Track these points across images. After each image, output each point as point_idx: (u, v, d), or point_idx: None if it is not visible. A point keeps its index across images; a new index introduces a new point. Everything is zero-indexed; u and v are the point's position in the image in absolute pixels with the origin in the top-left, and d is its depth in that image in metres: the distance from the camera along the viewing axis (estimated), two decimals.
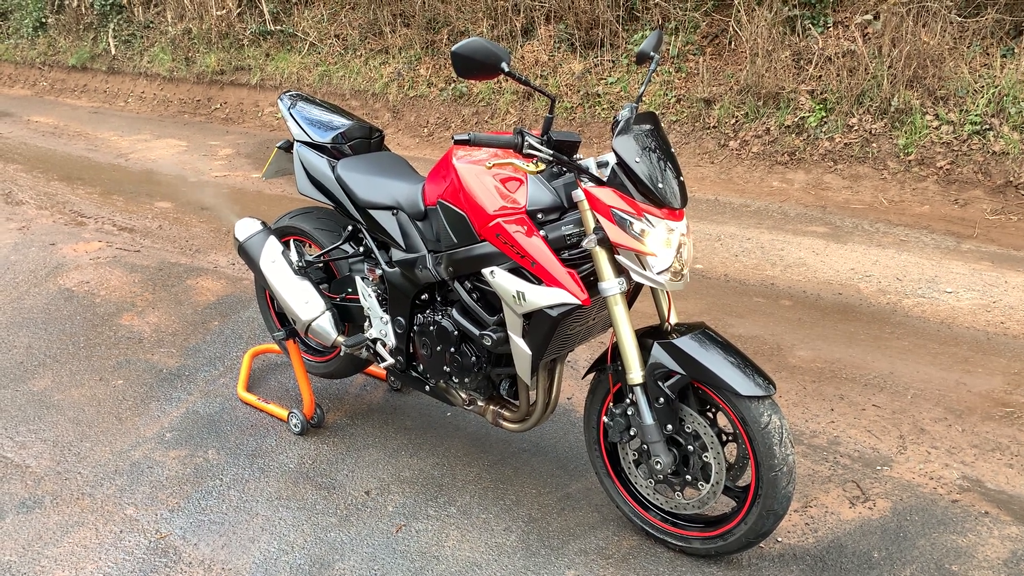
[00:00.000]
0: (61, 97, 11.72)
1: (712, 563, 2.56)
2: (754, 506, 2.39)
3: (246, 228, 3.22)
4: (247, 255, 3.19)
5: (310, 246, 3.31)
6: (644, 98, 7.23)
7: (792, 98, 6.57)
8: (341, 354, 3.12)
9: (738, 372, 2.34)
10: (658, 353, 2.41)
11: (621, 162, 2.35)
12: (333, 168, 3.05)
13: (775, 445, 2.32)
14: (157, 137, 9.01)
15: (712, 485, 2.44)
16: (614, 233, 2.33)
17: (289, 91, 3.35)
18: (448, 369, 2.80)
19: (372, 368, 3.54)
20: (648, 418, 2.43)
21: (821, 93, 6.49)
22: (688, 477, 2.47)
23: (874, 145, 6.08)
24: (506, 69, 2.27)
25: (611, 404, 2.58)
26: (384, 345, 3.02)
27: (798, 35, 6.73)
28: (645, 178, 2.32)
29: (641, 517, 2.65)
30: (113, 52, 11.45)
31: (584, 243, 2.36)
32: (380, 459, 3.14)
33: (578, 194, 2.40)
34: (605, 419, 2.58)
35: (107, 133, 9.36)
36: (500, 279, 2.49)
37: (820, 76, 6.58)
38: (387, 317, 2.97)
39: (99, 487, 3.01)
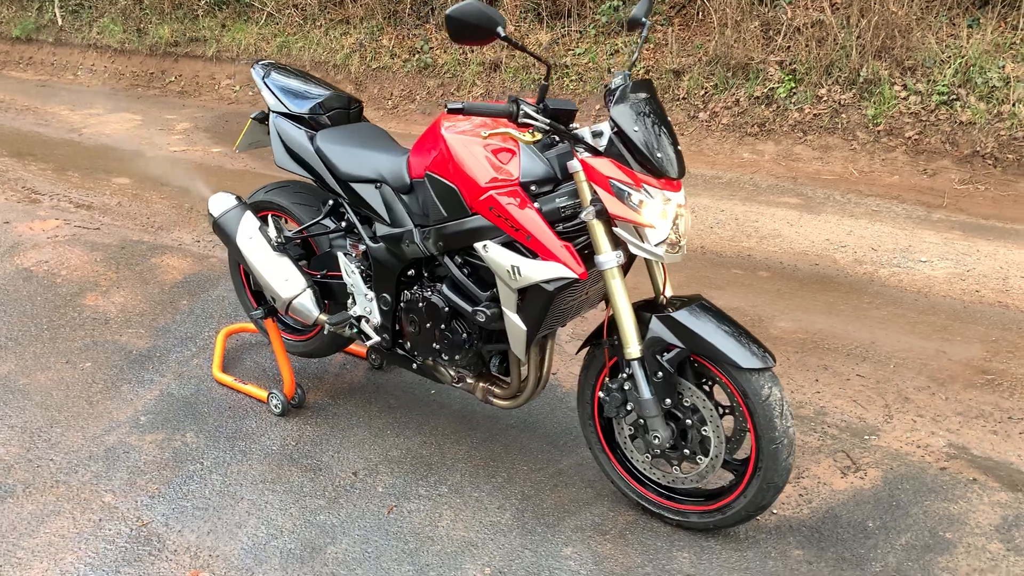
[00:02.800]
0: (5, 70, 11.28)
1: (710, 536, 2.54)
2: (754, 478, 2.37)
3: (221, 203, 3.10)
4: (222, 231, 3.08)
5: (287, 221, 3.20)
6: (635, 65, 7.17)
7: (761, 69, 6.55)
8: (325, 332, 3.03)
9: (738, 345, 2.31)
10: (656, 327, 2.37)
11: (619, 131, 2.29)
12: (312, 139, 2.95)
13: (776, 417, 2.30)
14: (110, 111, 8.72)
15: (711, 459, 2.42)
16: (612, 205, 2.27)
17: (262, 60, 3.22)
18: (438, 346, 2.73)
19: (352, 347, 3.46)
20: (646, 392, 2.40)
21: (790, 64, 6.48)
22: (686, 451, 2.45)
23: (843, 116, 6.10)
24: (502, 34, 2.19)
25: (607, 379, 2.53)
26: (369, 323, 2.94)
27: (766, 5, 6.71)
28: (643, 147, 2.27)
29: (637, 492, 2.62)
30: (60, 23, 11.03)
31: (582, 215, 2.30)
32: (366, 439, 3.07)
33: (574, 165, 2.33)
34: (601, 394, 2.54)
35: (57, 107, 9.03)
36: (494, 253, 2.43)
37: (789, 47, 6.57)
38: (372, 294, 2.89)
39: (74, 474, 2.90)
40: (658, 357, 2.37)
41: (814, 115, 6.22)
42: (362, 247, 2.91)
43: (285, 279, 2.99)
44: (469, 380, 2.81)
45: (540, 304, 2.42)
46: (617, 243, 2.37)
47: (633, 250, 2.33)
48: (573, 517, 2.65)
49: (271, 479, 2.85)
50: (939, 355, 3.52)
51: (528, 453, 2.96)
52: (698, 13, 7.13)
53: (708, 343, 2.31)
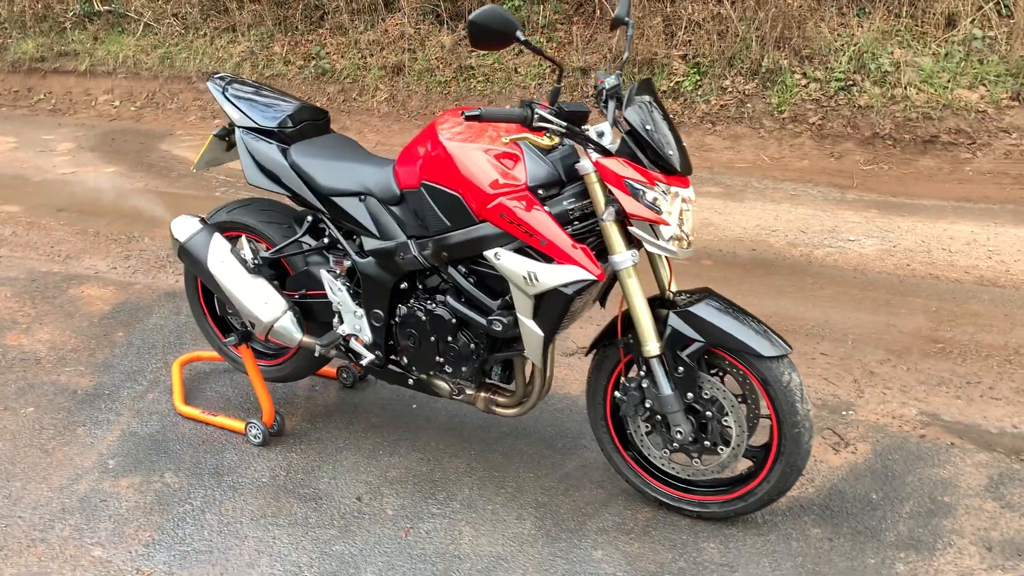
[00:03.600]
0: None
1: (730, 524, 2.59)
2: (776, 463, 2.43)
3: (185, 227, 2.92)
4: (190, 256, 2.90)
5: (257, 242, 3.05)
6: (556, 67, 7.19)
7: (666, 63, 6.72)
8: (316, 354, 2.89)
9: (756, 334, 2.36)
10: (675, 322, 2.39)
11: (632, 131, 2.30)
12: (285, 154, 2.82)
13: (797, 402, 2.36)
14: None
15: (732, 448, 2.46)
16: (629, 204, 2.28)
17: (218, 73, 3.06)
18: (441, 360, 2.67)
19: (325, 367, 3.33)
20: (667, 389, 2.41)
21: (694, 57, 6.67)
22: (706, 443, 2.48)
23: (749, 105, 6.33)
24: (521, 37, 2.17)
25: (623, 378, 2.53)
26: (359, 341, 2.83)
27: (665, 2, 6.88)
28: (657, 146, 2.28)
29: (655, 488, 2.64)
30: None
31: (604, 217, 2.29)
32: (359, 461, 2.96)
33: (585, 166, 2.32)
34: (617, 394, 2.54)
35: None
36: (507, 261, 2.39)
37: (690, 41, 6.76)
38: (361, 311, 2.79)
39: (51, 530, 2.66)
40: (678, 352, 2.39)
41: (721, 106, 6.43)
42: (347, 263, 2.81)
43: (264, 302, 2.85)
44: (469, 391, 2.76)
45: (558, 308, 2.39)
46: (630, 242, 2.37)
47: (649, 248, 2.35)
48: (593, 520, 2.64)
49: (272, 513, 2.71)
50: (890, 328, 3.71)
51: (530, 460, 2.93)
52: (594, 11, 7.24)
53: (728, 335, 2.35)
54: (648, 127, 2.29)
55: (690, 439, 2.45)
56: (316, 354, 2.88)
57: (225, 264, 2.85)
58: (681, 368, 2.40)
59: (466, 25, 2.17)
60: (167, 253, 4.97)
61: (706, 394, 2.44)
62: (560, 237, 2.34)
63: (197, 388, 3.47)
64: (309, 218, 2.85)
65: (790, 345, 2.39)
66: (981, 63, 5.93)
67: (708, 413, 2.45)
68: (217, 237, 2.89)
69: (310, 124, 2.90)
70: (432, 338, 2.64)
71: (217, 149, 3.04)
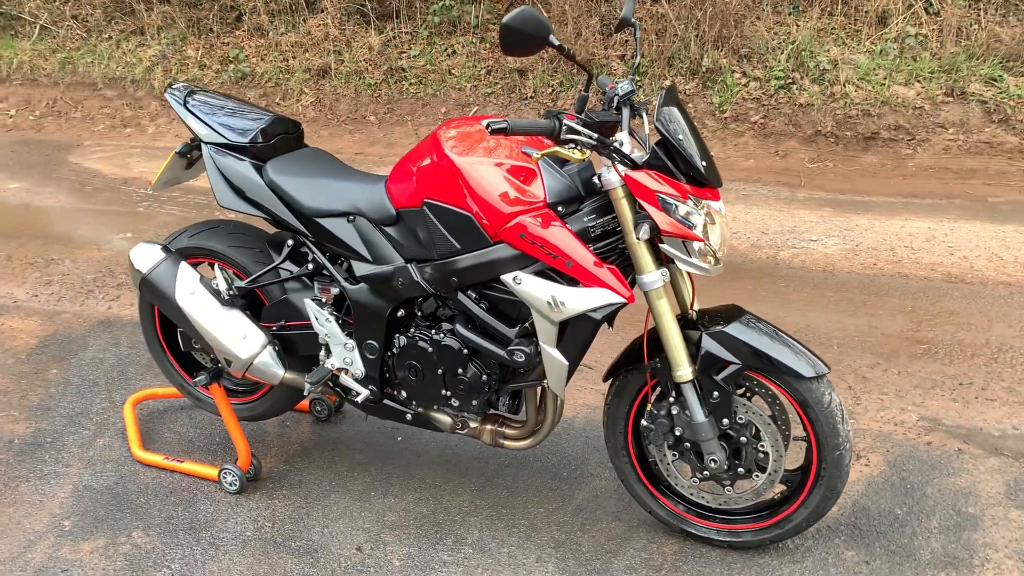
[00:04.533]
0: None
1: (762, 553, 2.46)
2: (816, 487, 2.31)
3: (146, 256, 2.60)
4: (154, 289, 2.58)
5: (225, 269, 2.75)
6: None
7: (604, 64, 6.61)
8: (306, 392, 2.63)
9: (793, 354, 2.23)
10: (709, 344, 2.23)
11: (664, 141, 2.13)
12: (261, 172, 2.54)
13: (839, 423, 2.24)
14: None
15: (769, 473, 2.33)
16: (662, 220, 2.11)
17: (175, 83, 2.75)
18: (448, 392, 2.45)
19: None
20: (700, 415, 2.26)
21: (633, 58, 6.57)
22: (740, 470, 2.34)
23: (691, 105, 6.28)
24: (556, 42, 1.98)
25: (650, 405, 2.37)
26: (350, 375, 2.58)
27: (600, 1, 6.77)
28: (689, 157, 2.12)
29: (682, 519, 2.49)
30: None
31: (639, 234, 2.11)
32: (351, 505, 2.71)
33: (612, 180, 2.14)
34: (644, 422, 2.37)
35: None
36: (528, 286, 2.19)
37: (626, 41, 6.67)
38: (352, 343, 2.54)
39: None
40: (713, 376, 2.24)
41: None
42: (335, 290, 2.55)
43: (242, 336, 2.56)
44: (473, 425, 2.55)
45: (585, 335, 2.21)
46: (660, 261, 2.21)
47: (681, 265, 2.19)
48: (618, 557, 2.47)
49: (264, 572, 2.44)
50: (872, 331, 3.67)
51: (536, 493, 2.74)
52: None
53: (767, 356, 2.21)
54: (680, 137, 2.13)
55: (724, 467, 2.30)
56: (305, 393, 2.61)
57: (196, 296, 2.55)
58: (716, 393, 2.25)
59: (501, 28, 1.97)
60: (93, 277, 4.57)
61: (740, 419, 2.29)
62: (586, 258, 2.16)
63: (153, 430, 3.14)
64: (290, 242, 2.59)
65: (827, 364, 2.27)
66: (915, 60, 6.03)
67: (743, 439, 2.30)
68: (184, 266, 2.59)
69: (284, 138, 2.64)
70: (439, 370, 2.42)
71: (177, 167, 2.74)
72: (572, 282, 2.18)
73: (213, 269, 2.65)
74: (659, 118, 2.13)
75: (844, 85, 5.99)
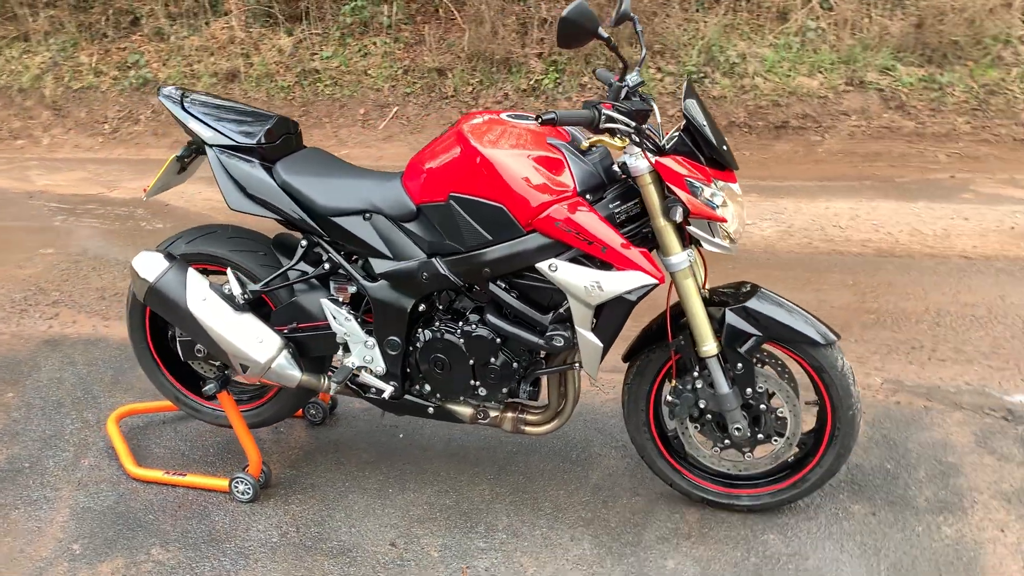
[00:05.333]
0: None
1: (780, 514, 2.61)
2: (831, 447, 2.48)
3: (151, 264, 2.51)
4: (162, 298, 2.50)
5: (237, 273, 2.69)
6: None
7: (523, 62, 6.73)
8: (331, 391, 2.60)
9: (808, 324, 2.38)
10: (733, 319, 2.36)
11: (690, 127, 2.25)
12: (271, 173, 2.50)
13: (851, 385, 2.41)
14: None
15: (787, 437, 2.48)
16: (693, 203, 2.23)
17: (166, 85, 2.66)
18: (477, 383, 2.49)
19: None
20: (724, 387, 2.39)
21: (550, 55, 6.72)
22: (760, 436, 2.48)
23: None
24: (604, 34, 2.07)
25: (674, 381, 2.48)
26: (371, 373, 2.58)
27: (513, 1, 6.88)
28: (715, 141, 2.25)
29: (703, 488, 2.61)
30: None
31: (675, 216, 2.22)
32: (371, 504, 2.71)
33: (640, 166, 2.24)
34: (670, 397, 2.48)
35: None
36: (565, 272, 2.26)
37: (543, 39, 6.81)
38: (372, 340, 2.54)
39: None
40: (738, 349, 2.37)
41: (583, 102, 6.51)
42: (352, 289, 2.55)
43: (259, 340, 2.52)
44: (494, 414, 2.60)
45: (620, 317, 2.31)
46: (683, 243, 2.32)
47: (707, 246, 2.31)
48: (647, 529, 2.57)
49: (304, 575, 2.41)
50: (823, 304, 3.91)
51: (551, 476, 2.81)
52: (437, 10, 7.12)
53: (786, 327, 2.36)
54: (704, 123, 2.25)
55: (747, 434, 2.44)
56: (332, 393, 2.59)
57: (208, 302, 2.49)
58: (740, 365, 2.38)
59: (559, 22, 2.04)
60: (23, 295, 4.33)
61: (760, 388, 2.44)
62: (620, 242, 2.25)
63: (140, 447, 3.03)
64: (303, 243, 2.56)
65: (837, 333, 2.43)
66: (815, 52, 6.42)
67: (762, 406, 2.44)
68: (193, 273, 2.52)
69: (288, 138, 2.60)
70: (469, 361, 2.45)
71: (171, 173, 2.66)
72: (604, 266, 2.27)
73: (226, 273, 2.59)
74: (686, 107, 2.24)
75: (753, 77, 6.32)
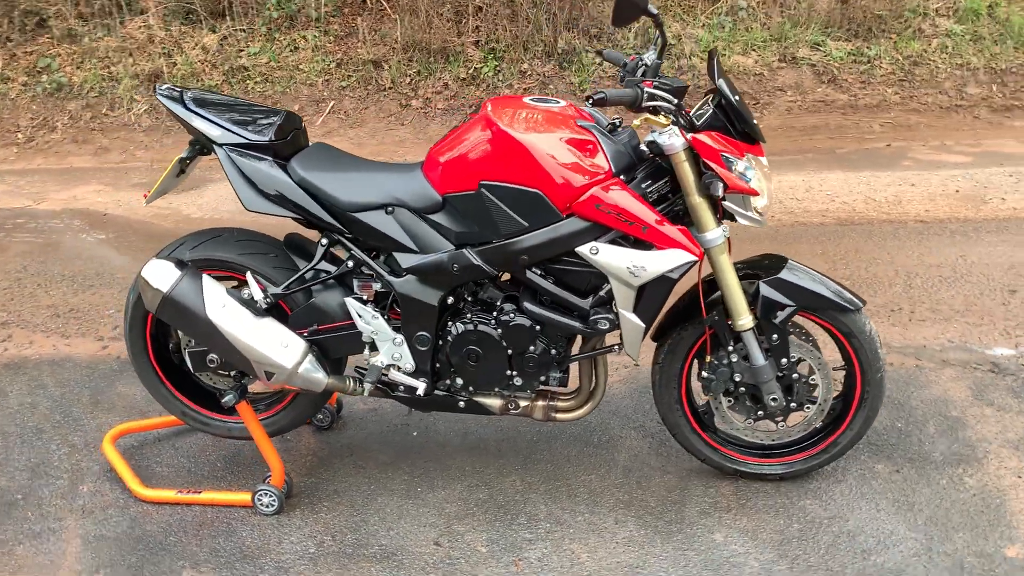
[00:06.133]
0: None
1: (812, 479, 2.67)
2: (860, 410, 2.54)
3: (163, 273, 2.37)
4: (179, 308, 2.36)
5: (236, 279, 2.57)
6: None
7: (460, 51, 6.66)
8: (364, 392, 2.51)
9: (836, 291, 2.44)
10: (768, 291, 2.39)
11: (723, 103, 2.26)
12: (286, 170, 2.40)
13: (878, 348, 2.48)
14: None
15: (819, 404, 2.53)
16: (731, 178, 2.24)
17: (163, 85, 2.51)
18: (514, 371, 2.45)
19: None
20: (760, 359, 2.43)
21: (487, 43, 6.68)
22: (792, 404, 2.52)
23: (551, 87, 6.48)
24: (654, 10, 2.07)
25: (708, 357, 2.50)
26: (400, 370, 2.51)
27: None
28: (747, 115, 2.27)
29: (736, 460, 2.64)
30: None
31: (717, 192, 2.22)
32: (404, 505, 2.64)
33: (675, 144, 2.24)
34: (705, 373, 2.50)
35: None
36: (607, 254, 2.24)
37: (479, 26, 6.76)
38: (400, 337, 2.47)
39: None
40: (773, 321, 2.40)
41: (524, 89, 6.51)
42: (376, 286, 2.47)
43: (284, 345, 2.41)
44: (524, 403, 2.57)
45: (662, 295, 2.31)
46: (717, 218, 2.34)
47: (741, 220, 2.33)
48: (687, 505, 2.59)
49: None
50: None
51: (578, 462, 2.80)
52: (365, 1, 6.98)
53: (818, 295, 2.40)
54: (737, 98, 2.26)
55: (783, 404, 2.48)
56: (366, 394, 2.51)
57: (227, 309, 2.37)
58: (775, 336, 2.42)
59: (616, 1, 2.03)
60: None
61: (793, 357, 2.48)
62: (659, 221, 2.25)
63: (139, 466, 2.87)
64: (324, 241, 2.46)
65: (863, 299, 2.49)
66: (748, 31, 6.57)
67: (794, 375, 2.49)
68: (208, 279, 2.40)
69: (296, 134, 2.50)
70: (507, 351, 2.41)
71: (172, 175, 2.52)
72: (642, 246, 2.26)
73: (246, 277, 2.47)
74: (720, 83, 2.25)
75: (690, 58, 6.42)
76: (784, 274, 2.41)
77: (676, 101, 2.19)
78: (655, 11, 2.13)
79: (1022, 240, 4.23)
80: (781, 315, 2.40)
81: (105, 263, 4.57)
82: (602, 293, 2.33)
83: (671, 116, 2.20)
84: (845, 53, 6.32)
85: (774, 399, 2.46)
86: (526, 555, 2.41)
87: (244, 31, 6.95)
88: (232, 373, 2.58)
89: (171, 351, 2.74)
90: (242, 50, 6.86)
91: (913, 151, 5.55)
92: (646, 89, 2.14)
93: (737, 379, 2.48)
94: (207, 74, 6.77)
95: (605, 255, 2.24)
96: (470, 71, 6.57)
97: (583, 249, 2.25)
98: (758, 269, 2.48)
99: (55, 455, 2.96)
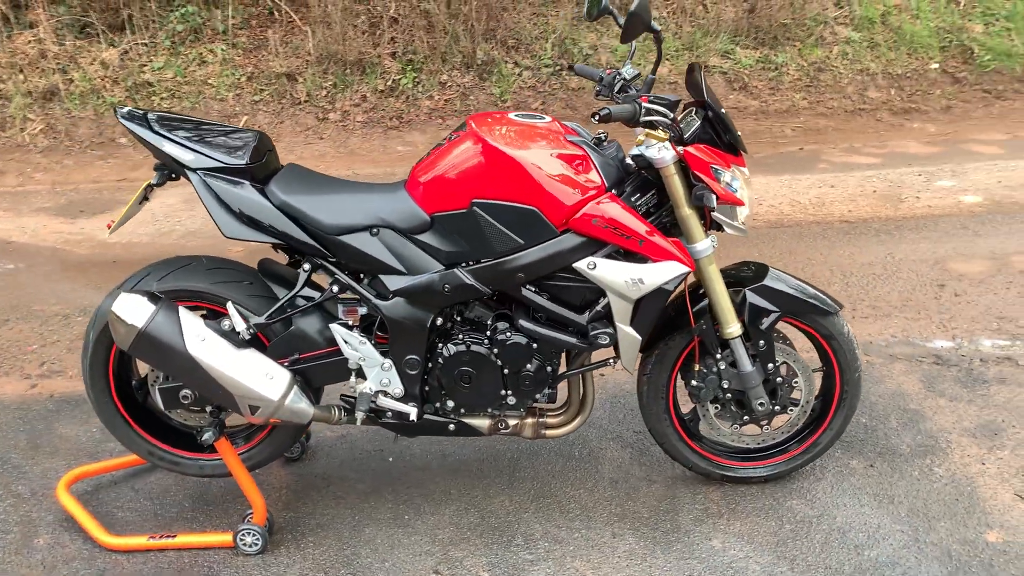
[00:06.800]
0: None
1: (794, 479, 2.73)
2: (839, 410, 2.62)
3: (136, 308, 2.21)
4: (155, 343, 2.21)
5: (215, 310, 2.44)
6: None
7: (377, 62, 6.57)
8: (358, 422, 2.40)
9: (816, 295, 2.51)
10: (755, 299, 2.45)
11: (709, 116, 2.29)
12: (264, 195, 2.30)
13: (856, 349, 2.57)
14: None
15: (802, 406, 2.60)
16: (720, 189, 2.28)
17: (122, 107, 2.36)
18: (508, 391, 2.42)
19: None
20: (748, 365, 2.47)
21: (405, 55, 6.61)
22: (778, 408, 2.58)
23: (472, 98, 6.46)
24: (657, 27, 2.07)
25: (697, 365, 2.52)
26: (389, 396, 2.43)
27: (358, 2, 6.69)
28: (732, 128, 2.31)
29: (722, 466, 2.68)
30: None
31: (710, 203, 2.25)
32: (393, 534, 2.56)
33: (665, 157, 2.26)
34: (695, 382, 2.52)
35: None
36: (605, 269, 2.24)
37: (393, 38, 6.68)
38: (388, 362, 2.40)
39: None
40: (760, 328, 2.45)
41: (445, 100, 6.47)
42: (362, 310, 2.39)
43: (268, 376, 2.30)
44: (513, 422, 2.54)
45: (657, 307, 2.32)
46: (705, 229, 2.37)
47: (729, 230, 2.37)
48: (679, 513, 2.61)
49: None
50: None
51: (564, 477, 2.79)
52: (272, 12, 6.80)
53: (800, 300, 2.47)
54: (723, 111, 2.30)
55: (770, 408, 2.53)
56: (358, 423, 2.41)
57: (207, 343, 2.24)
58: (762, 342, 2.47)
59: (627, 16, 2.03)
60: None
61: (777, 362, 2.53)
62: (652, 233, 2.26)
63: (99, 513, 2.67)
64: (306, 266, 2.36)
65: (839, 302, 2.57)
66: None
67: (778, 379, 2.54)
68: (185, 312, 2.26)
69: (270, 155, 2.40)
70: (504, 370, 2.37)
71: (136, 202, 2.37)
72: (638, 259, 2.27)
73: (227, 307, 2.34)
74: (708, 96, 2.28)
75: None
76: (768, 281, 2.47)
77: (671, 115, 2.20)
78: (658, 28, 2.15)
79: (940, 236, 4.47)
80: (767, 321, 2.45)
81: (19, 295, 4.28)
82: (599, 308, 2.32)
83: (669, 131, 2.21)
84: (754, 61, 6.54)
85: (761, 404, 2.51)
86: None
87: (146, 44, 6.65)
88: (208, 409, 2.44)
89: (135, 388, 2.58)
90: (145, 64, 6.56)
91: (826, 154, 5.79)
92: (644, 104, 2.15)
93: (725, 386, 2.51)
94: (108, 90, 6.44)
95: (603, 270, 2.24)
96: (388, 82, 6.48)
97: (581, 265, 2.24)
98: (741, 277, 2.52)
99: (2, 503, 2.74)
